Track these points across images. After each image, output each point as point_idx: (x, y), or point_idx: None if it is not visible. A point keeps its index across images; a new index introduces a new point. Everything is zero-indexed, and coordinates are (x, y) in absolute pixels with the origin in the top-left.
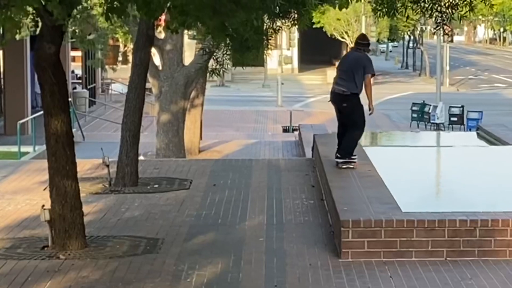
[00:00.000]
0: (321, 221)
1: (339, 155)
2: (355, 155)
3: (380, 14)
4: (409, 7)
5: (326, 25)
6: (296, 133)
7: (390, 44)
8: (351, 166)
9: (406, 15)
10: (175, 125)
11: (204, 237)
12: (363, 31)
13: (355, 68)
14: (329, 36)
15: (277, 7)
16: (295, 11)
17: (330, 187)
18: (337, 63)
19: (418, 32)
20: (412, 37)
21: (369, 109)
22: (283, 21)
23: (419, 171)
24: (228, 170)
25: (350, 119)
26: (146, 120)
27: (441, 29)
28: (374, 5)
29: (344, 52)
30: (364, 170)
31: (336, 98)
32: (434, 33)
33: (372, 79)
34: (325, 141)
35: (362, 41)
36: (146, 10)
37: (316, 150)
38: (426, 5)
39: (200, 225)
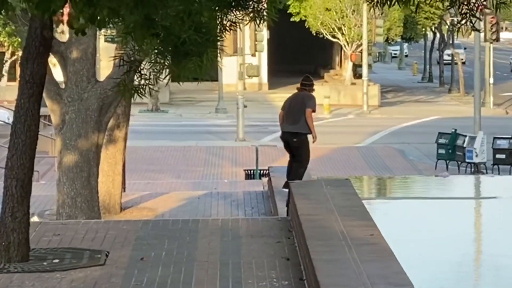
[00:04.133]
0: None
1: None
2: None
3: (377, 2)
4: None
5: (309, 19)
6: (265, 180)
7: (406, 45)
8: None
9: (415, 3)
10: (85, 170)
11: None
12: (365, 25)
13: (301, 109)
14: (315, 34)
15: None
16: None
17: (313, 260)
18: (326, 75)
19: (447, 26)
20: (438, 35)
21: (313, 138)
22: (240, 13)
23: (447, 235)
24: (162, 236)
25: (298, 153)
26: (43, 163)
27: (468, 22)
28: None
29: (337, 59)
30: (363, 235)
31: (287, 135)
32: (458, 30)
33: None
34: (306, 191)
35: (306, 82)
36: (38, 1)
37: (293, 205)
38: None
39: None
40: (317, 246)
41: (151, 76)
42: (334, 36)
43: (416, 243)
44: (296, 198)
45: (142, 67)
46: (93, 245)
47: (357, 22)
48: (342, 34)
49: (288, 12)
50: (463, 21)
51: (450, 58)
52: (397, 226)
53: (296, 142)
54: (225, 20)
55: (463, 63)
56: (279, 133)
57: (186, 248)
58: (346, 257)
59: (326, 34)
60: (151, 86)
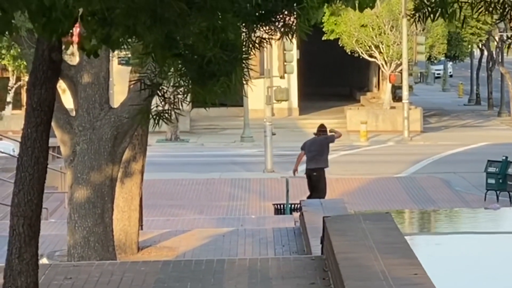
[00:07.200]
0: None
1: None
2: None
3: (419, 17)
4: (466, 4)
5: (344, 36)
6: (297, 214)
7: (450, 64)
8: None
9: (461, 17)
10: (98, 207)
11: None
12: (405, 43)
13: (322, 147)
14: (349, 54)
15: (257, 6)
16: (286, 12)
17: None
18: (362, 98)
19: (496, 43)
20: (486, 52)
21: (339, 134)
22: (269, 28)
23: (499, 274)
24: (184, 278)
25: (318, 185)
26: (52, 199)
27: None
28: (417, 2)
29: (375, 80)
30: (406, 275)
31: (309, 171)
32: (509, 46)
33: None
34: (343, 227)
35: (322, 129)
36: (45, 21)
37: (328, 242)
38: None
39: None
40: (356, 287)
41: (176, 100)
42: (371, 55)
43: (465, 283)
44: (331, 234)
45: (165, 91)
46: None
47: (396, 39)
48: (380, 52)
49: (321, 29)
50: None
51: None
52: (443, 264)
53: (316, 176)
54: (254, 36)
55: None
56: None
57: None
58: None
59: (362, 53)
60: (176, 111)
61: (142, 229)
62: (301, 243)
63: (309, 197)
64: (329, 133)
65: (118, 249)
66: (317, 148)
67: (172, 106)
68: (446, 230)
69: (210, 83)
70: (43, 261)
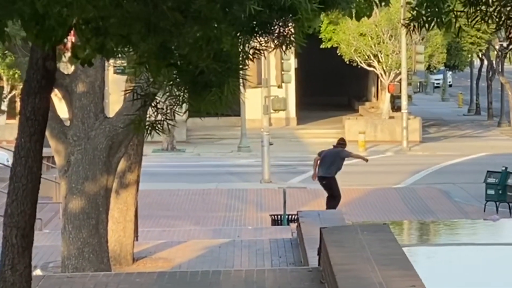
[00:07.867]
0: None
1: None
2: None
3: (415, 27)
4: (462, 14)
5: (342, 45)
6: (294, 225)
7: (449, 74)
8: None
9: (456, 26)
10: (92, 217)
11: None
12: (404, 52)
13: (335, 159)
14: (348, 63)
15: (251, 17)
16: (281, 22)
17: None
18: (360, 108)
19: (496, 52)
20: (486, 62)
21: (365, 159)
22: (263, 39)
23: (500, 286)
24: None
25: (331, 191)
26: (46, 210)
27: None
28: (413, 12)
29: (373, 90)
30: (403, 286)
31: (320, 179)
32: (505, 55)
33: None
34: (340, 238)
35: (342, 142)
36: (39, 29)
37: (325, 254)
38: (490, 9)
39: None
40: None
41: (169, 110)
42: (369, 65)
43: None
44: (328, 245)
45: (158, 101)
46: None
47: (395, 49)
48: (379, 62)
49: (319, 38)
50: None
51: None
52: (441, 276)
53: (325, 185)
54: (248, 47)
55: None
56: (308, 174)
57: None
58: None
59: (360, 62)
60: (169, 122)
61: (137, 240)
62: (298, 254)
63: (327, 198)
64: (361, 158)
65: (113, 260)
66: (329, 159)
67: (165, 116)
68: (444, 241)
69: (203, 93)
70: (37, 272)
